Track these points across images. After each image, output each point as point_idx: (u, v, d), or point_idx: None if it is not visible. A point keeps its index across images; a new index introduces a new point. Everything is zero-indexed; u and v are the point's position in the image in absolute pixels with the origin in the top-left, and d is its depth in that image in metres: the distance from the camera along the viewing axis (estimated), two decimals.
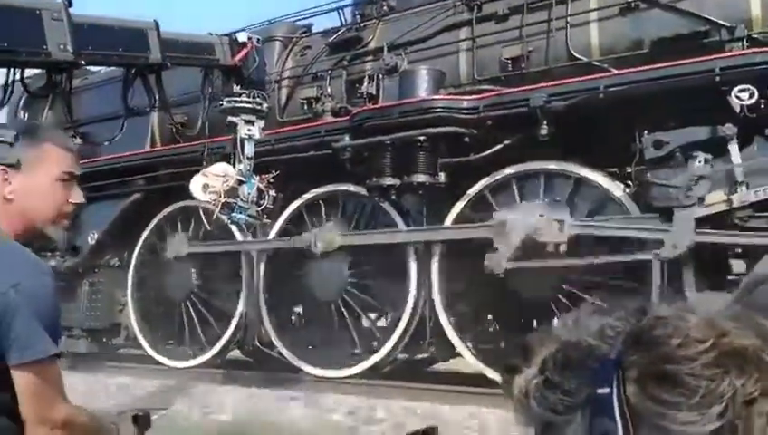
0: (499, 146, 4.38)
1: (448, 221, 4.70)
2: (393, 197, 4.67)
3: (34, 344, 1.36)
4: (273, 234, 5.51)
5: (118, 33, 4.40)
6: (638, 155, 3.90)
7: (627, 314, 0.55)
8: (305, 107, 5.49)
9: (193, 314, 5.89)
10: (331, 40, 5.59)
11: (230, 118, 4.72)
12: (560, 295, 4.14)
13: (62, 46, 3.90)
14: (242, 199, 4.54)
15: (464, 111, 4.37)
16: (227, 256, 5.78)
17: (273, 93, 5.71)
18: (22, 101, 7.28)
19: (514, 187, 4.47)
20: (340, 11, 5.82)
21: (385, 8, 5.50)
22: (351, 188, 5.09)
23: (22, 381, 1.36)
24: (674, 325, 0.51)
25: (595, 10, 4.33)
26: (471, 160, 4.49)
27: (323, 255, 5.00)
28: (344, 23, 5.81)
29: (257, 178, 4.69)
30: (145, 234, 6.23)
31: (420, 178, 4.51)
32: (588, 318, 0.55)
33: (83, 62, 4.12)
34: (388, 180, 4.59)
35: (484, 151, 4.42)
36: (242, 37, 4.85)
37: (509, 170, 4.47)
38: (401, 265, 4.81)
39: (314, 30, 6.17)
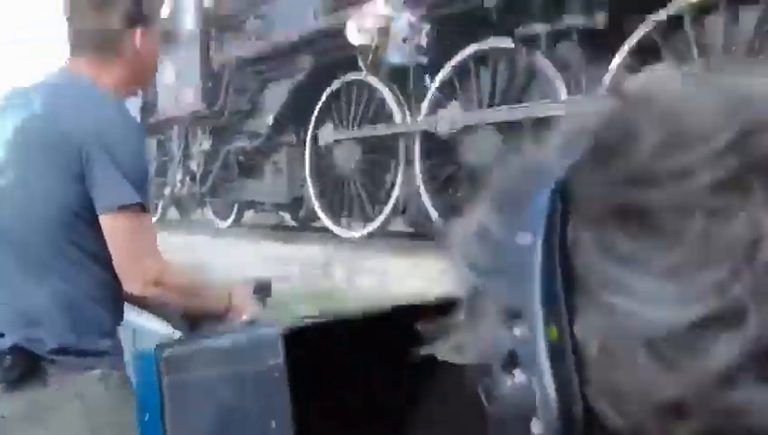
0: None
1: (610, 74, 3.97)
2: (543, 48, 4.05)
3: (114, 193, 1.34)
4: (425, 105, 5.25)
5: None
6: None
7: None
8: None
9: (359, 188, 6.01)
10: None
11: None
12: None
13: None
14: (394, 37, 4.44)
15: None
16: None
17: None
18: None
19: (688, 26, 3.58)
20: None
21: None
22: (495, 44, 4.54)
23: (105, 230, 1.36)
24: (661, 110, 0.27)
25: None
26: None
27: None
28: None
29: (408, 12, 4.49)
30: (315, 111, 6.38)
31: (573, 20, 3.82)
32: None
33: None
34: (537, 27, 3.97)
35: None
36: None
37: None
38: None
39: None
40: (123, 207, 1.35)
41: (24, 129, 1.39)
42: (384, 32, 4.44)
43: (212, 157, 7.58)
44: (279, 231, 7.48)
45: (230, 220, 8.06)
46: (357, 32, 4.58)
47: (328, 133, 6.19)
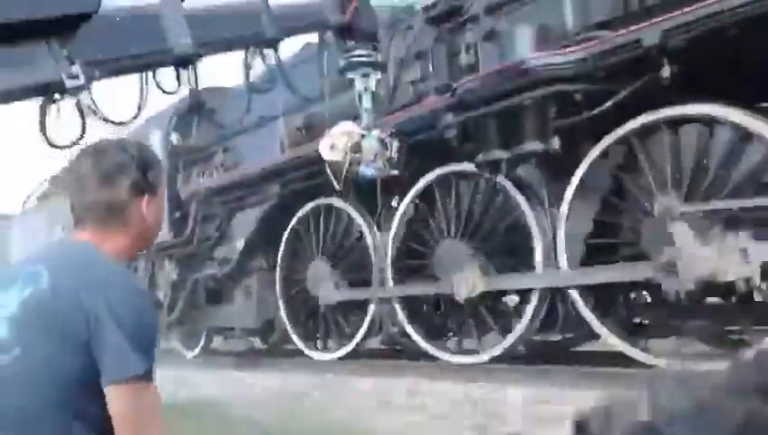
0: (615, 99, 3.86)
1: (570, 191, 4.27)
2: (504, 171, 4.33)
3: (121, 364, 1.34)
4: (392, 232, 5.45)
5: (229, 17, 4.52)
6: None
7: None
8: (411, 89, 5.33)
9: (332, 311, 6.04)
10: (429, 14, 5.34)
11: (348, 74, 4.82)
12: None
13: (182, 41, 4.10)
14: (366, 153, 4.65)
15: (569, 66, 3.90)
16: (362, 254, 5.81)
17: (383, 80, 5.62)
18: (172, 124, 7.98)
19: (636, 144, 3.93)
20: None
21: None
22: (460, 168, 4.85)
23: (110, 401, 1.35)
24: None
25: None
26: (586, 120, 4.01)
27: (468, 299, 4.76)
28: None
29: (378, 130, 4.76)
30: (285, 235, 6.50)
31: (531, 146, 4.12)
32: None
33: (203, 52, 4.22)
34: (497, 153, 4.26)
35: (597, 107, 3.93)
36: None
37: (626, 127, 3.96)
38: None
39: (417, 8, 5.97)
40: (130, 379, 1.36)
41: (30, 304, 1.38)
42: (356, 148, 4.65)
43: (179, 286, 7.53)
44: (250, 357, 7.34)
45: (198, 349, 7.88)
46: (329, 149, 4.76)
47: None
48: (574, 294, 4.27)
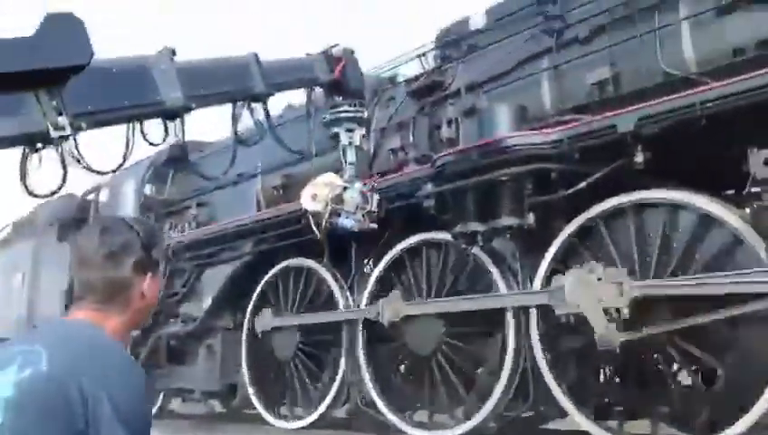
0: (589, 179, 3.99)
1: (543, 266, 4.33)
2: (480, 243, 4.38)
3: None
4: (367, 291, 5.42)
5: (221, 71, 4.68)
6: (751, 177, 3.34)
7: None
8: (391, 157, 5.42)
9: (297, 375, 5.89)
10: (413, 87, 5.50)
11: (333, 129, 5.06)
12: None
13: (173, 94, 4.19)
14: (347, 205, 4.75)
15: (546, 146, 4.03)
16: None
17: (364, 146, 5.71)
18: (148, 175, 7.92)
19: (602, 228, 4.04)
20: (422, 57, 5.74)
21: (465, 48, 5.34)
22: (437, 236, 4.89)
23: None
24: None
25: (687, 19, 3.86)
26: (560, 198, 4.12)
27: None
28: (424, 68, 5.72)
29: (360, 183, 4.91)
30: (254, 296, 6.39)
31: (507, 221, 4.19)
32: None
33: (194, 105, 4.30)
34: (474, 226, 4.32)
35: (572, 187, 4.04)
36: (337, 52, 5.20)
37: (596, 209, 4.07)
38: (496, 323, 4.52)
39: (400, 79, 6.15)
40: None
41: (27, 388, 1.32)
42: (337, 199, 4.74)
43: (140, 342, 7.27)
44: (208, 422, 7.06)
45: (153, 410, 7.56)
46: (311, 199, 4.82)
47: (267, 319, 6.16)
48: (543, 365, 4.24)
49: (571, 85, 4.40)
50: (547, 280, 4.30)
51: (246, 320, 6.47)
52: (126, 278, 1.52)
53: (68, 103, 3.59)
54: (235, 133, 4.87)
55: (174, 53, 4.31)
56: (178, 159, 8.03)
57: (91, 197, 8.57)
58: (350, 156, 4.99)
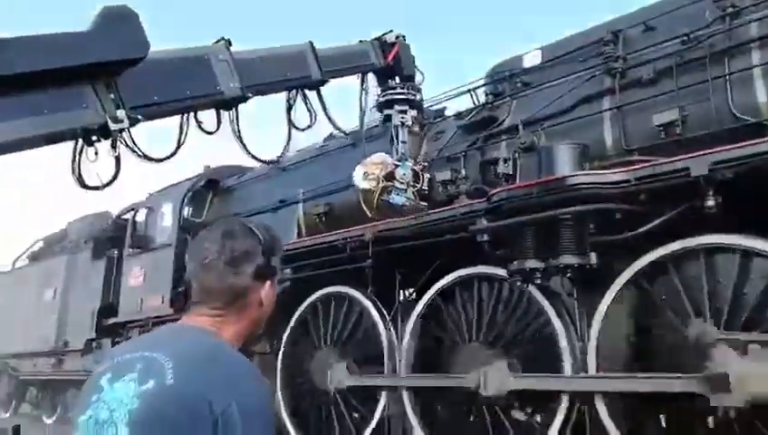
0: (656, 221, 3.94)
1: (603, 307, 4.26)
2: (538, 280, 4.32)
3: None
4: (410, 324, 5.36)
5: (276, 61, 4.76)
6: None
7: None
8: (440, 190, 5.41)
9: (340, 408, 5.80)
10: (464, 121, 5.51)
11: (386, 111, 5.23)
12: None
13: (231, 84, 4.25)
14: (399, 182, 4.88)
15: (612, 186, 3.99)
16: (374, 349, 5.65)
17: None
18: (186, 198, 7.96)
19: (672, 269, 3.97)
20: (473, 92, 5.76)
21: (519, 84, 5.35)
22: (490, 270, 4.84)
23: None
24: None
25: (762, 65, 3.84)
26: (624, 238, 4.07)
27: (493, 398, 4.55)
28: (476, 103, 5.74)
29: (411, 161, 5.05)
30: (292, 322, 6.34)
31: (568, 259, 4.14)
32: None
33: (250, 94, 4.41)
34: (532, 263, 4.27)
35: (638, 228, 3.99)
36: (390, 38, 5.39)
37: (662, 251, 4.01)
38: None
39: (448, 113, 6.18)
40: None
41: (154, 403, 1.26)
42: (389, 177, 4.85)
43: None
44: None
45: None
46: (363, 177, 4.93)
47: (341, 374, 5.73)
48: (600, 404, 4.12)
49: (635, 126, 4.38)
50: (600, 321, 4.23)
51: (283, 345, 6.42)
52: (246, 285, 1.49)
53: (125, 96, 3.63)
54: (290, 122, 4.95)
55: (230, 43, 4.38)
56: (217, 182, 8.10)
57: (126, 216, 8.61)
58: (402, 135, 5.14)
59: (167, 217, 7.63)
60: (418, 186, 4.96)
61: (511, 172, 4.72)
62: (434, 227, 4.97)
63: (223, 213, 7.83)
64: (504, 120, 5.20)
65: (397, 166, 4.91)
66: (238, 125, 4.49)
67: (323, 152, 7.02)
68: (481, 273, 4.91)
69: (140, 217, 8.16)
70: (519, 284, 4.49)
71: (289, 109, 4.90)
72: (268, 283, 1.54)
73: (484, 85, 5.67)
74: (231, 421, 1.25)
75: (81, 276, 8.76)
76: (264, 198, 7.29)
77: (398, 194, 4.90)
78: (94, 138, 3.63)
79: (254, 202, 7.38)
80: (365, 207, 5.01)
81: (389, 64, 5.28)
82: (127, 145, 3.85)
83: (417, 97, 5.39)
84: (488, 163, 5.12)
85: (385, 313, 5.66)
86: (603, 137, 4.53)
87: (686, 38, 4.32)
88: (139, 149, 3.94)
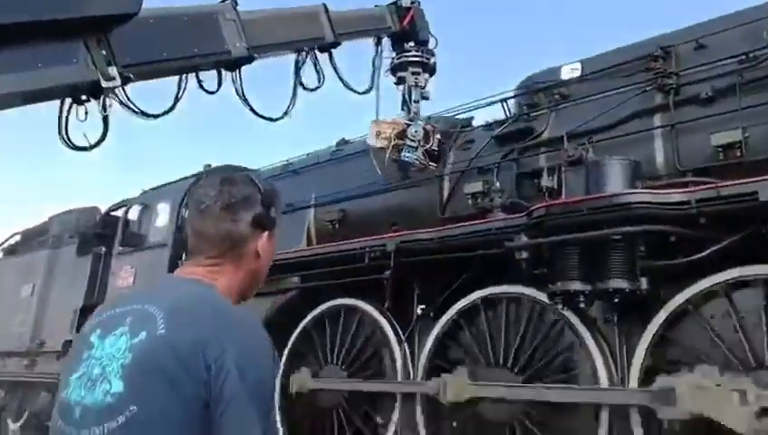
0: (716, 247, 3.69)
1: (648, 335, 3.98)
2: (582, 304, 4.03)
3: (238, 426, 1.19)
4: (428, 343, 5.02)
5: (286, 21, 4.74)
6: None
7: None
8: (469, 202, 5.10)
9: (338, 425, 5.41)
10: (498, 131, 5.24)
11: (399, 73, 5.38)
12: None
13: (237, 44, 4.17)
14: (410, 140, 5.03)
15: (671, 207, 3.73)
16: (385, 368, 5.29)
17: (434, 189, 5.41)
18: (185, 197, 7.52)
19: (725, 297, 3.71)
20: (504, 102, 5.50)
21: (557, 96, 5.10)
22: (526, 291, 4.54)
23: None
24: None
25: None
26: (677, 264, 3.81)
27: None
28: (508, 114, 5.47)
29: (423, 121, 5.20)
30: (291, 342, 5.94)
31: (617, 283, 3.86)
32: None
33: (256, 55, 4.33)
34: (577, 285, 3.98)
35: (691, 253, 3.74)
36: (406, 2, 5.49)
37: (718, 278, 3.76)
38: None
39: (475, 123, 5.91)
40: None
41: (146, 355, 1.23)
42: (401, 135, 5.01)
43: None
44: None
45: None
46: (376, 136, 5.08)
47: (304, 378, 5.57)
48: None
49: (691, 145, 4.15)
50: (650, 352, 3.96)
51: (284, 359, 6.01)
52: (243, 232, 1.45)
53: (119, 53, 3.50)
54: (298, 81, 4.94)
55: (236, 2, 4.32)
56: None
57: (117, 212, 8.14)
58: (415, 95, 5.32)
59: (163, 216, 7.20)
60: (428, 146, 5.08)
61: (555, 186, 4.43)
62: (465, 240, 4.66)
63: None
64: (542, 132, 4.94)
65: (408, 125, 5.04)
66: (242, 85, 4.45)
67: (337, 157, 6.68)
68: (513, 293, 4.60)
69: (133, 214, 7.70)
70: (559, 307, 4.19)
71: (297, 70, 4.90)
72: (266, 234, 1.49)
73: (517, 96, 5.41)
74: (224, 368, 1.20)
75: (63, 273, 8.23)
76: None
77: (409, 152, 5.04)
78: (84, 97, 3.52)
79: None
80: (376, 164, 5.15)
81: (405, 29, 5.37)
82: (121, 103, 3.74)
83: (431, 61, 5.48)
84: (525, 176, 4.85)
85: (399, 329, 5.32)
86: (654, 155, 4.29)
87: (744, 57, 4.12)
88: (134, 105, 3.81)
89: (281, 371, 5.96)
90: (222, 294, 1.39)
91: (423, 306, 5.27)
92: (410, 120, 5.15)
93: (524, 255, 4.30)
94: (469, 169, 5.23)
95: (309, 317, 5.89)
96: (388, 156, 5.07)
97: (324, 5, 4.87)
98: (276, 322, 6.09)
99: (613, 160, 4.13)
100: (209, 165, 8.20)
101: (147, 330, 1.25)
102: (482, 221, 4.62)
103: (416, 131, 5.06)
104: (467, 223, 4.73)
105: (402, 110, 5.40)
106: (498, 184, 4.85)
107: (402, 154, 5.04)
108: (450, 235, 4.74)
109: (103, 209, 8.67)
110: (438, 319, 5.05)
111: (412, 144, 5.04)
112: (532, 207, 4.28)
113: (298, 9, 4.87)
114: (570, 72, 5.18)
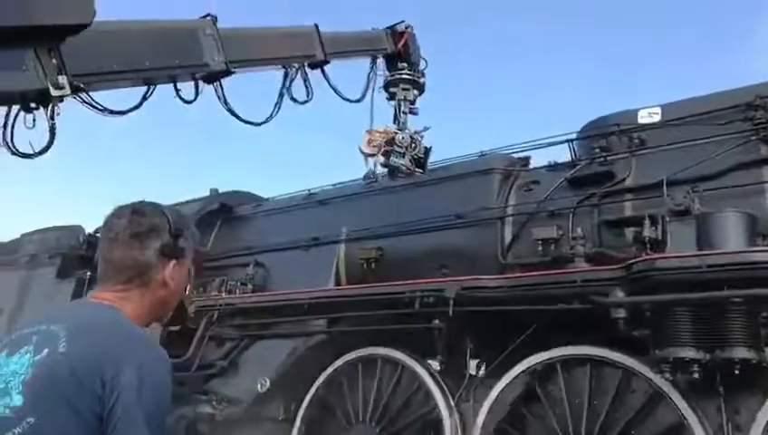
0: None
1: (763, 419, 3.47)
2: (695, 375, 3.49)
3: None
4: (485, 407, 4.40)
5: (272, 40, 4.99)
6: None
7: None
8: (539, 248, 4.58)
9: None
10: (572, 173, 4.77)
11: (391, 88, 5.87)
12: None
13: (215, 58, 4.38)
14: (398, 146, 5.37)
15: None
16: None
17: (494, 232, 4.88)
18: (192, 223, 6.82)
19: None
20: (571, 144, 5.06)
21: (636, 141, 4.68)
22: (611, 355, 3.99)
23: None
24: None
25: None
26: None
27: None
28: (574, 156, 5.03)
29: (411, 129, 5.67)
30: (318, 383, 5.24)
31: (741, 353, 3.36)
32: None
33: (235, 69, 4.54)
34: (691, 353, 3.46)
35: None
36: (401, 27, 5.98)
37: None
38: None
39: (532, 163, 5.45)
40: None
41: (45, 370, 1.30)
42: (390, 142, 5.37)
43: None
44: None
45: None
46: (367, 143, 5.42)
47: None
48: None
49: None
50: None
51: (302, 412, 5.29)
52: (149, 261, 1.50)
53: (72, 63, 3.52)
54: (284, 93, 5.16)
55: (216, 19, 4.48)
56: (230, 209, 7.03)
57: None
58: (404, 107, 5.80)
59: None
60: (414, 152, 5.42)
61: (660, 238, 3.95)
62: (543, 290, 4.11)
63: (231, 243, 6.73)
64: (625, 178, 4.48)
65: (397, 133, 5.46)
66: (224, 94, 4.62)
67: (363, 190, 6.10)
68: (598, 356, 4.04)
69: None
70: (667, 377, 3.65)
71: (284, 82, 5.11)
72: (173, 262, 1.54)
73: (589, 137, 4.97)
74: (119, 385, 1.26)
75: (40, 296, 7.33)
76: (286, 232, 6.26)
77: (397, 157, 5.37)
78: (33, 104, 3.52)
79: (274, 236, 6.33)
80: (366, 167, 5.55)
81: (399, 50, 5.85)
82: (84, 102, 3.79)
83: (421, 81, 5.97)
84: (609, 224, 4.36)
85: (447, 389, 4.68)
86: (765, 209, 3.87)
87: None
88: (98, 104, 3.85)
89: (299, 422, 5.25)
90: (125, 317, 1.45)
91: (477, 361, 4.67)
92: (399, 128, 5.59)
93: (622, 313, 3.78)
94: (538, 211, 4.71)
95: (335, 365, 5.20)
96: (375, 163, 5.47)
97: (316, 26, 5.26)
98: (296, 368, 5.40)
99: (730, 213, 3.68)
100: (216, 189, 7.55)
101: (49, 347, 1.32)
102: (565, 271, 4.09)
103: (402, 138, 5.41)
104: (545, 272, 4.19)
105: (394, 123, 5.80)
106: (580, 231, 4.34)
107: (390, 159, 5.38)
108: (525, 283, 4.20)
109: (87, 230, 7.85)
110: (494, 378, 4.45)
111: (400, 150, 5.38)
112: (632, 260, 3.78)
113: (289, 28, 5.25)
114: (648, 116, 4.79)
